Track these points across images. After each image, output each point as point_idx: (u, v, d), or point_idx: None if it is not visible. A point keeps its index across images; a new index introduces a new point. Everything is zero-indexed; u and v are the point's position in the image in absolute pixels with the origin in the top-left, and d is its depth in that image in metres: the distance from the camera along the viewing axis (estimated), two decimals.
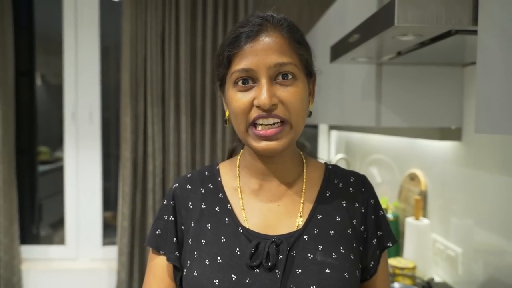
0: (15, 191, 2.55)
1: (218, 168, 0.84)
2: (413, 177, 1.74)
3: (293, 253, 0.72)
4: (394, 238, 0.82)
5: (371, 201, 0.81)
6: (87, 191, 2.67)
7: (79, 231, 2.68)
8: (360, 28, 1.00)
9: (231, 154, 0.89)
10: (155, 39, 2.45)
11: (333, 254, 0.73)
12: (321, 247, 0.73)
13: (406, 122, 1.36)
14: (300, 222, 0.76)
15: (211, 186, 0.81)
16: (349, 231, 0.77)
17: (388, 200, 1.85)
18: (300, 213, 0.77)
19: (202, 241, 0.75)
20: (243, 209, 0.77)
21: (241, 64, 0.70)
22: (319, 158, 0.91)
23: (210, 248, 0.74)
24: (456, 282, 1.47)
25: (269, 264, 0.70)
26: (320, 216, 0.77)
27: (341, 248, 0.74)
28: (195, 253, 0.74)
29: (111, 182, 2.80)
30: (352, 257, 0.75)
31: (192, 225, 0.77)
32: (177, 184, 0.82)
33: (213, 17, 2.48)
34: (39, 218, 2.90)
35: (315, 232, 0.75)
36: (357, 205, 0.79)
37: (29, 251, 2.67)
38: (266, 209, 0.77)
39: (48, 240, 2.91)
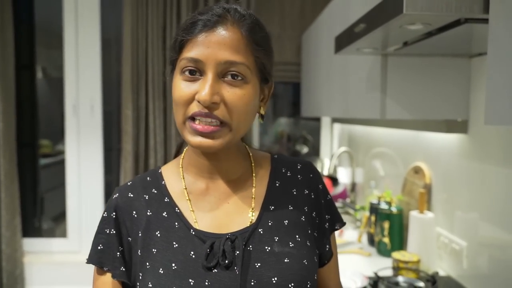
0: (17, 184, 2.54)
1: (161, 172, 0.79)
2: (417, 170, 1.72)
3: (250, 247, 0.70)
4: (342, 220, 0.83)
5: (320, 186, 0.81)
6: (88, 184, 2.66)
7: (81, 224, 2.68)
8: (367, 17, 0.98)
9: (179, 149, 0.84)
10: (156, 31, 2.43)
11: (290, 243, 0.72)
12: (277, 238, 0.72)
13: (412, 114, 1.34)
14: (252, 216, 0.74)
15: (155, 191, 0.76)
16: (302, 218, 0.76)
17: (392, 193, 1.83)
18: (252, 208, 0.75)
19: (153, 250, 0.71)
20: (192, 211, 0.74)
21: (191, 52, 0.66)
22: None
23: (162, 255, 0.70)
24: (461, 276, 1.46)
25: (226, 261, 0.68)
26: (273, 207, 0.76)
27: (297, 236, 0.74)
28: (147, 263, 0.70)
29: (113, 175, 2.80)
30: (309, 244, 0.75)
31: (140, 235, 0.72)
32: (117, 194, 0.76)
33: None
34: (41, 211, 2.90)
35: (270, 223, 0.74)
36: (307, 191, 0.79)
37: (31, 244, 2.67)
38: (217, 209, 0.74)
39: (50, 233, 2.91)
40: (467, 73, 1.36)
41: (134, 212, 0.74)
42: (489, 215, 1.33)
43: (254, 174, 0.78)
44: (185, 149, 0.80)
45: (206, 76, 0.66)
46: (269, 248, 0.71)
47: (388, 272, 1.44)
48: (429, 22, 0.84)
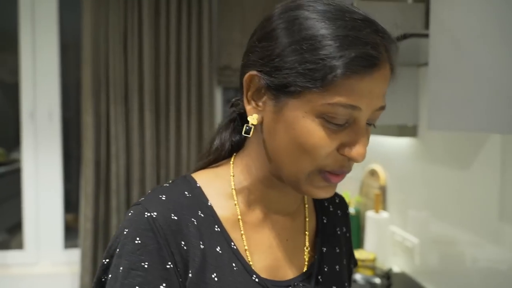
0: None
1: (200, 186, 0.58)
2: (373, 173, 1.81)
3: None
4: (355, 259, 0.78)
5: (349, 222, 0.75)
6: (47, 193, 2.58)
7: (39, 235, 2.59)
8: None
9: (209, 151, 0.66)
10: (118, 36, 2.41)
11: None
12: (334, 287, 0.64)
13: None
14: (307, 258, 0.63)
15: (202, 215, 0.56)
16: (344, 261, 0.69)
17: (350, 195, 1.91)
18: (307, 247, 0.64)
19: None
20: (246, 250, 0.57)
21: (350, 97, 0.48)
22: None
23: None
24: (413, 272, 1.55)
25: None
26: (325, 249, 0.65)
27: (346, 283, 0.67)
28: None
29: (73, 184, 2.73)
30: None
31: (190, 275, 0.52)
32: (155, 214, 0.53)
33: (177, 13, 2.47)
34: None
35: (325, 269, 0.64)
36: (344, 229, 0.72)
37: None
38: (275, 246, 0.60)
39: (5, 245, 2.79)
40: (415, 81, 1.45)
41: (183, 243, 0.53)
42: (439, 213, 1.43)
43: (307, 206, 0.67)
44: (232, 162, 0.61)
45: (358, 125, 0.51)
46: None
47: None
48: None
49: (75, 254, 2.58)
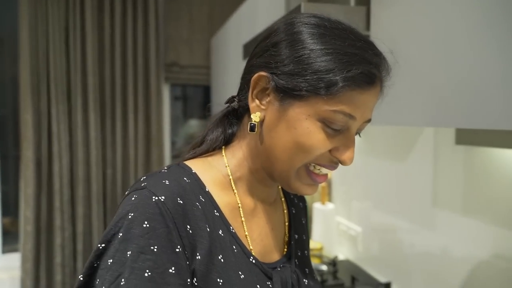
0: None
1: (195, 173, 0.61)
2: None
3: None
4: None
5: (307, 213, 0.81)
6: None
7: None
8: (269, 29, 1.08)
9: (203, 142, 0.68)
10: (58, 31, 2.31)
11: (314, 275, 0.73)
12: (307, 270, 0.71)
13: None
14: (285, 244, 0.70)
15: (203, 200, 0.58)
16: (309, 247, 0.77)
17: None
18: (286, 235, 0.71)
19: (218, 280, 0.55)
20: (247, 235, 0.62)
21: (349, 107, 0.54)
22: None
23: None
24: (357, 258, 1.64)
25: None
26: (296, 235, 0.72)
27: (312, 267, 0.75)
28: None
29: (10, 185, 2.58)
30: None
31: (199, 257, 0.54)
32: (163, 197, 0.53)
33: (121, 9, 2.41)
34: None
35: (299, 253, 0.71)
36: (305, 220, 0.78)
37: None
38: (264, 233, 0.66)
39: None
40: None
41: (189, 227, 0.54)
42: (379, 203, 1.53)
43: (283, 199, 0.74)
44: (223, 153, 0.65)
45: (350, 133, 0.57)
46: (306, 280, 0.69)
47: None
48: None
49: (14, 259, 2.44)
